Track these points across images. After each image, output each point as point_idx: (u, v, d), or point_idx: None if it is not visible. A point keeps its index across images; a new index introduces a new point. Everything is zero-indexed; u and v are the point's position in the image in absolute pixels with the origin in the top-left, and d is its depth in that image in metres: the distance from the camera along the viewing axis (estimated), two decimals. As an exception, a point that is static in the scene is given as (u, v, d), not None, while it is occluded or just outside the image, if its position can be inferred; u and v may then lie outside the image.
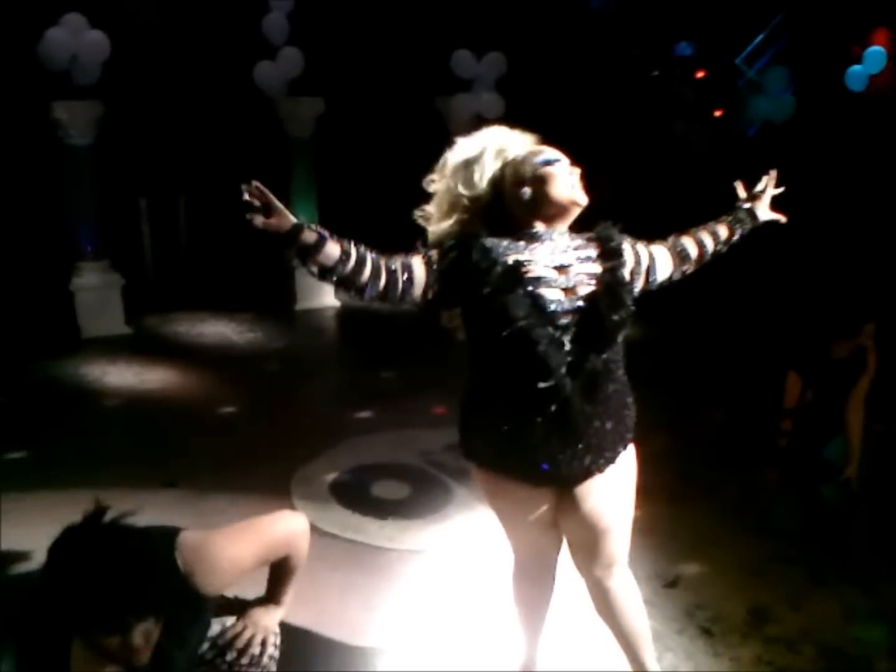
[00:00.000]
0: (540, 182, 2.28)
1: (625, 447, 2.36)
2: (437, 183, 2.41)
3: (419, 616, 3.35)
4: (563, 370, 2.17)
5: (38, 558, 2.11)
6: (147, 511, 2.30)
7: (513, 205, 2.31)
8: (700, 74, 11.31)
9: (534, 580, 2.69)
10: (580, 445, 2.24)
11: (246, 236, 7.89)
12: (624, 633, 2.56)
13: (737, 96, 10.68)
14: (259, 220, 2.08)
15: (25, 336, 7.29)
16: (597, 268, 2.29)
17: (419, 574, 3.67)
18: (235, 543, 2.28)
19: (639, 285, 2.44)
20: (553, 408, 2.17)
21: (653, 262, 2.46)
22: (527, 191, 2.28)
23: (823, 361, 4.45)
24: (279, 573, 2.46)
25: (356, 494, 4.41)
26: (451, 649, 3.14)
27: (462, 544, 3.89)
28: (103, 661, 2.00)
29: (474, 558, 3.74)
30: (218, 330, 7.84)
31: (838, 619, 3.28)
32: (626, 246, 2.39)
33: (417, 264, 2.21)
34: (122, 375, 6.52)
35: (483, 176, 2.33)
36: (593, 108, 9.97)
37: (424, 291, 2.21)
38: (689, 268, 2.56)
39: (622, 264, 2.32)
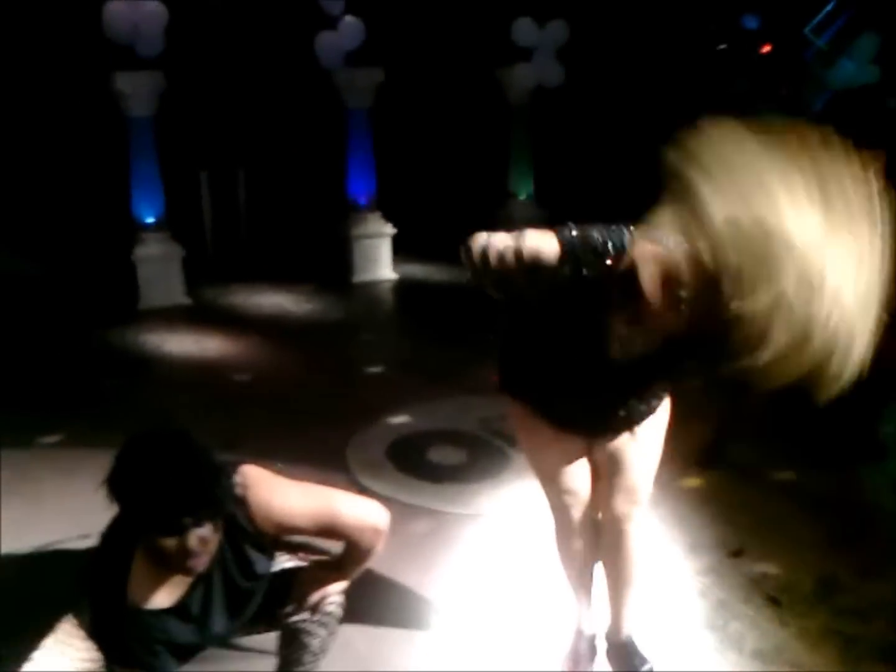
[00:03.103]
0: None
1: (659, 404, 2.40)
2: None
3: (474, 577, 3.31)
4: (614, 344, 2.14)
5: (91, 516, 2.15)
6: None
7: None
8: (766, 48, 11.01)
9: (572, 532, 2.61)
10: (620, 415, 2.33)
11: (303, 209, 7.93)
12: (619, 580, 2.64)
13: (805, 69, 10.35)
14: None
15: (87, 304, 7.43)
16: None
17: (475, 537, 3.62)
18: (294, 494, 2.24)
19: None
20: (597, 387, 2.23)
21: None
22: None
23: None
24: (346, 556, 2.40)
25: (412, 459, 4.38)
26: (505, 611, 3.10)
27: (518, 509, 3.83)
28: (162, 570, 2.03)
29: (531, 523, 3.66)
30: (276, 301, 7.87)
31: (912, 590, 3.14)
32: None
33: None
34: (181, 343, 6.59)
35: None
36: (656, 79, 9.76)
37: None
38: None
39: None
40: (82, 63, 7.53)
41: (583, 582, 2.74)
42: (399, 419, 4.93)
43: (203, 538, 1.95)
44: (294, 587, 2.36)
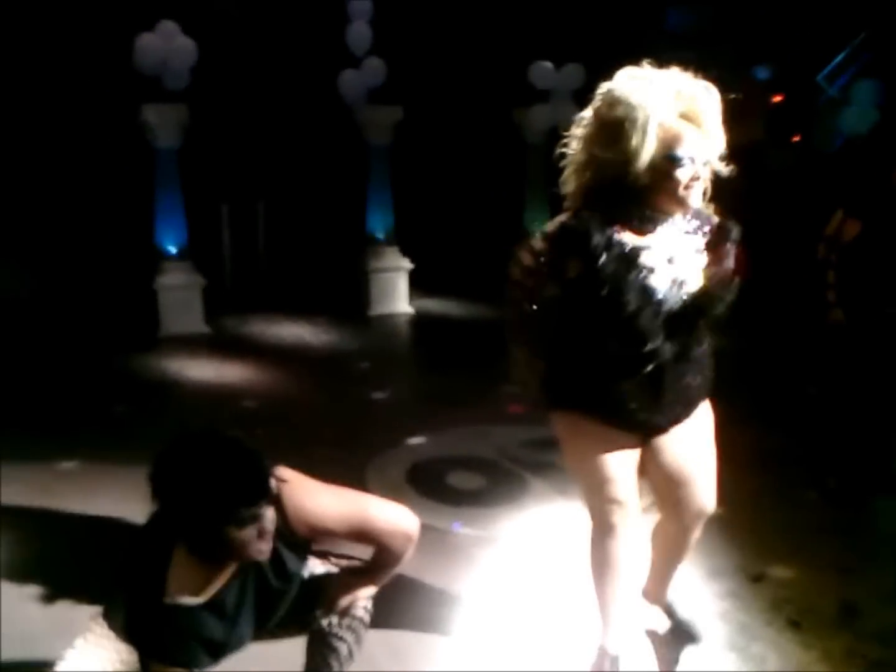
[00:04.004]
0: (658, 175, 2.29)
1: (705, 398, 2.55)
2: (581, 130, 2.40)
3: (490, 598, 3.33)
4: (661, 339, 2.35)
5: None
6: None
7: (636, 178, 2.30)
8: (777, 98, 11.17)
9: (614, 541, 2.61)
10: (671, 398, 2.43)
11: (322, 242, 8.00)
12: (670, 561, 2.81)
13: (817, 115, 10.50)
14: None
15: (109, 331, 7.51)
16: (704, 258, 2.38)
17: (492, 559, 3.63)
18: (328, 497, 2.26)
19: None
20: (649, 368, 2.37)
21: None
22: (646, 175, 2.28)
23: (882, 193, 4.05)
24: (376, 561, 2.42)
25: (431, 483, 4.41)
26: (524, 630, 3.11)
27: (537, 533, 3.85)
28: (204, 565, 2.06)
29: (549, 546, 3.69)
30: (294, 331, 7.94)
31: (936, 617, 3.14)
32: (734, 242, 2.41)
33: None
34: (199, 370, 6.65)
35: (640, 146, 2.25)
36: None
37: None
38: None
39: (729, 256, 2.36)
40: (112, 94, 7.71)
41: (614, 596, 2.74)
42: (418, 444, 4.97)
43: (272, 520, 2.02)
44: (324, 591, 2.38)
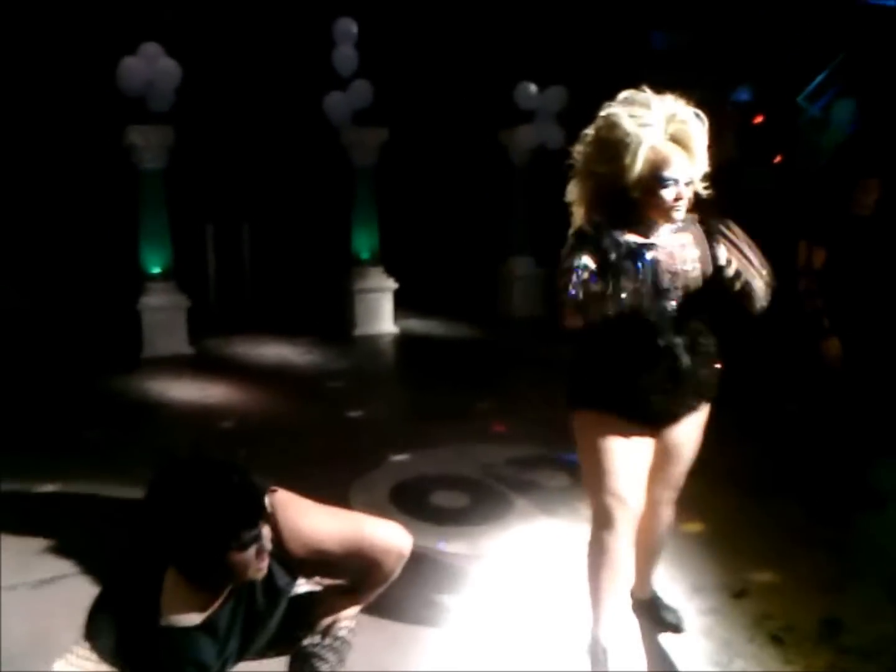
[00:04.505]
0: (647, 191, 2.54)
1: (713, 394, 2.79)
2: (583, 147, 2.63)
3: (475, 616, 3.31)
4: (672, 332, 2.61)
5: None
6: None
7: (630, 191, 2.56)
8: (758, 119, 11.29)
9: (613, 536, 2.66)
10: (687, 389, 2.68)
11: (307, 262, 8.03)
12: (649, 551, 3.04)
13: (798, 135, 10.62)
14: None
15: (92, 351, 7.49)
16: (695, 251, 2.67)
17: (477, 577, 3.62)
18: (322, 516, 2.25)
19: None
20: (664, 361, 2.61)
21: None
22: (637, 190, 2.54)
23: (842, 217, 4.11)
24: (365, 579, 2.40)
25: (415, 502, 4.40)
26: (506, 648, 3.10)
27: (521, 551, 3.85)
28: (196, 588, 2.04)
29: (534, 565, 3.69)
30: (278, 352, 7.94)
31: (917, 632, 3.15)
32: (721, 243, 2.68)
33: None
34: (184, 391, 6.64)
35: (631, 166, 2.48)
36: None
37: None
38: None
39: (716, 248, 2.65)
40: (97, 116, 7.73)
41: (607, 591, 2.75)
42: (402, 464, 4.97)
43: (269, 538, 2.01)
44: (308, 611, 2.37)
